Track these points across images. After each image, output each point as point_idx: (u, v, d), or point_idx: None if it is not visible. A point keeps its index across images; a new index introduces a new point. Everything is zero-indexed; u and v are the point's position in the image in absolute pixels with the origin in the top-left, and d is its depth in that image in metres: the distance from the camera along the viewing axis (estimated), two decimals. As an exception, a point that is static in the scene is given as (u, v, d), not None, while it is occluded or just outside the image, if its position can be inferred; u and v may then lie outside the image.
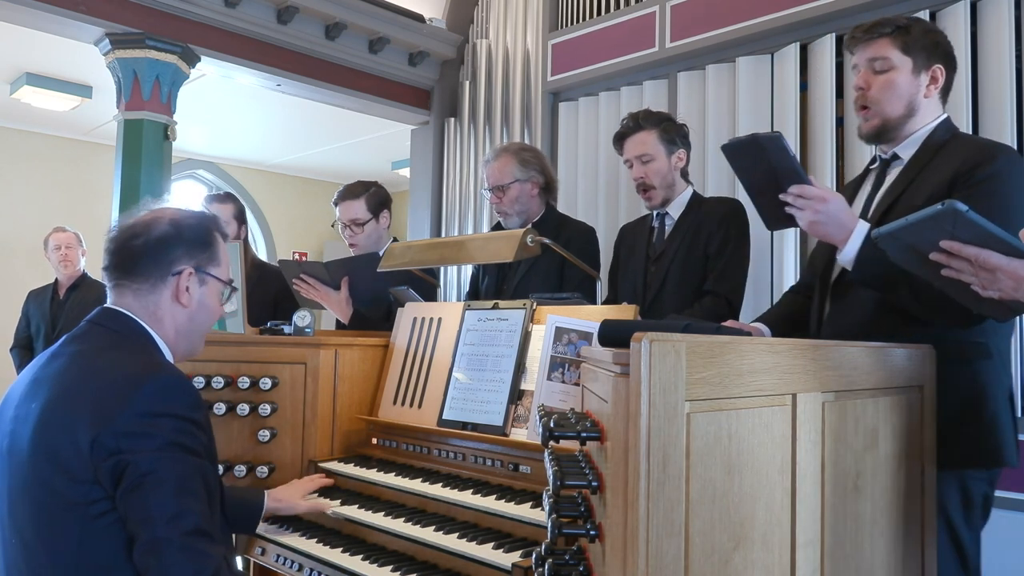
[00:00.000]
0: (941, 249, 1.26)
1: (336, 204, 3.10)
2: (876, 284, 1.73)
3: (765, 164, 1.64)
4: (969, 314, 1.64)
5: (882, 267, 1.65)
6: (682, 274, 2.58)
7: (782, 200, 1.66)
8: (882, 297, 1.77)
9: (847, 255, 1.69)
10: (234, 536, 2.00)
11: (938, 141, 1.83)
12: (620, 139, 2.73)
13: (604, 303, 2.79)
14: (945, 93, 1.89)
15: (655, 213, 2.75)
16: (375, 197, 3.05)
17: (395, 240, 3.22)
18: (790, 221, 1.71)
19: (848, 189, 2.09)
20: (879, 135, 1.89)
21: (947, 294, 1.60)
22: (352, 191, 3.06)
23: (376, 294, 2.83)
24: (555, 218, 2.95)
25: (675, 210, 2.69)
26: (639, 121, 2.69)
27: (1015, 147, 3.05)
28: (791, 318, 2.07)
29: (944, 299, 1.64)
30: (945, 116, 1.88)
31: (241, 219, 3.43)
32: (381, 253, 3.06)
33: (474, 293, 3.17)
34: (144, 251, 1.52)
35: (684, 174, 2.74)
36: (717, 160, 3.87)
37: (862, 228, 1.67)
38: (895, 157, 1.90)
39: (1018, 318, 2.92)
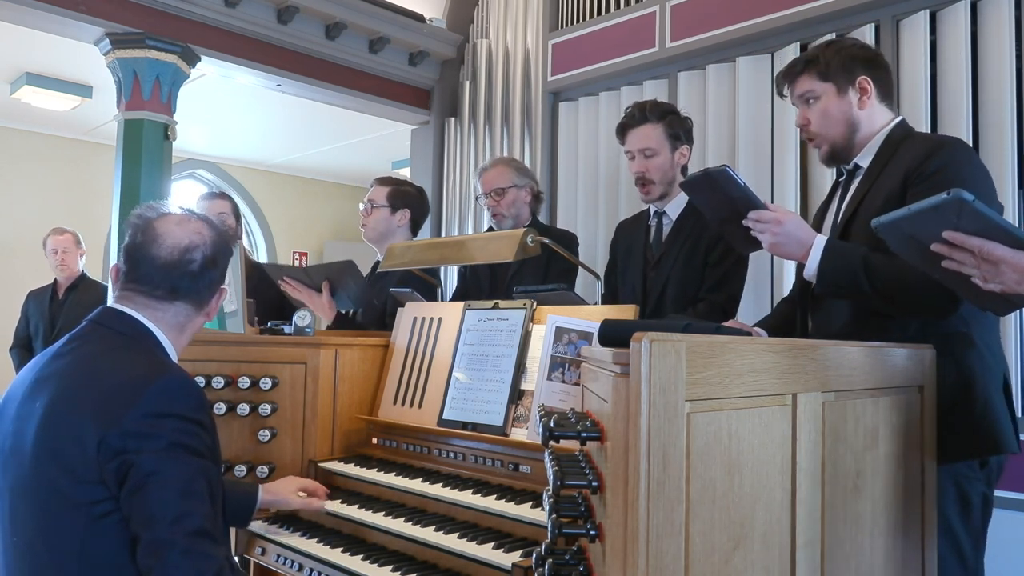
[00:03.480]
0: (943, 240, 1.23)
1: (371, 185, 3.22)
2: (841, 293, 1.78)
3: (720, 195, 1.72)
4: (943, 306, 1.67)
5: (844, 276, 1.71)
6: (683, 281, 2.56)
7: (746, 225, 1.74)
8: (857, 303, 1.81)
9: (809, 269, 1.74)
10: (233, 536, 2.00)
11: (894, 144, 1.89)
12: (623, 130, 2.67)
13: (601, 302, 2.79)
14: (885, 97, 1.95)
15: (652, 211, 2.72)
16: (402, 194, 3.12)
17: None
18: (757, 244, 1.78)
19: (820, 211, 2.15)
20: (833, 158, 1.98)
21: (923, 290, 1.63)
22: (386, 179, 3.20)
23: (360, 298, 2.86)
24: (540, 227, 3.14)
25: (673, 210, 2.65)
26: (645, 113, 2.62)
27: (1015, 146, 3.06)
28: (787, 326, 2.09)
29: (915, 295, 1.68)
30: (899, 119, 1.95)
31: (238, 216, 3.48)
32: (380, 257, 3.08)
33: (463, 292, 3.20)
34: (192, 280, 1.55)
35: (684, 171, 2.69)
36: (717, 161, 3.87)
37: (820, 242, 1.73)
38: (857, 167, 1.97)
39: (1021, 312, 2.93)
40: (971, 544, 1.73)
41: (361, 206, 3.16)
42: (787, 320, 2.11)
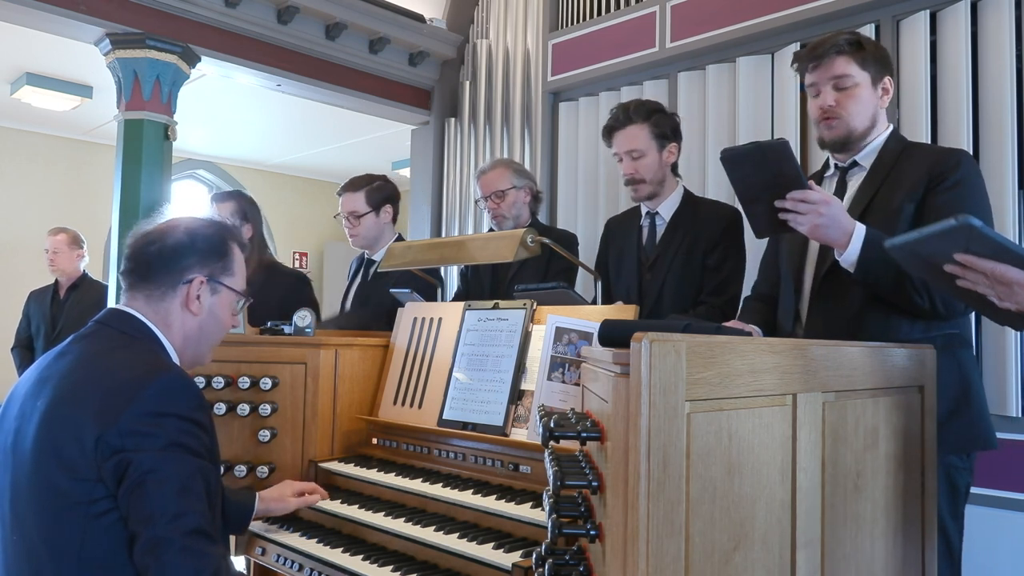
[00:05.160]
0: (956, 261, 1.25)
1: (339, 195, 3.17)
2: (880, 283, 1.77)
3: (765, 172, 1.67)
4: (961, 308, 1.76)
5: (886, 267, 1.71)
6: (679, 284, 2.54)
7: (778, 207, 1.70)
8: (868, 294, 1.83)
9: (850, 256, 1.73)
10: (233, 537, 2.00)
11: (894, 150, 1.95)
12: (609, 132, 2.65)
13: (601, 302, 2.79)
14: (891, 104, 2.02)
15: (644, 211, 2.70)
16: (377, 191, 3.09)
17: (400, 237, 3.23)
18: (782, 227, 1.74)
19: None
20: (844, 145, 1.98)
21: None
22: (354, 183, 3.14)
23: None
24: (540, 227, 3.14)
25: (666, 210, 2.64)
26: (629, 114, 2.60)
27: (1015, 146, 3.06)
28: (767, 325, 2.10)
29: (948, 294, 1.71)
30: (893, 127, 2.01)
31: (245, 218, 3.23)
32: (378, 256, 3.06)
33: (464, 293, 3.21)
34: (158, 258, 1.54)
35: (674, 168, 2.68)
36: (717, 161, 3.86)
37: (861, 230, 1.73)
38: (854, 164, 1.99)
39: None
40: (957, 534, 1.80)
41: (342, 219, 3.11)
42: (768, 319, 2.12)
